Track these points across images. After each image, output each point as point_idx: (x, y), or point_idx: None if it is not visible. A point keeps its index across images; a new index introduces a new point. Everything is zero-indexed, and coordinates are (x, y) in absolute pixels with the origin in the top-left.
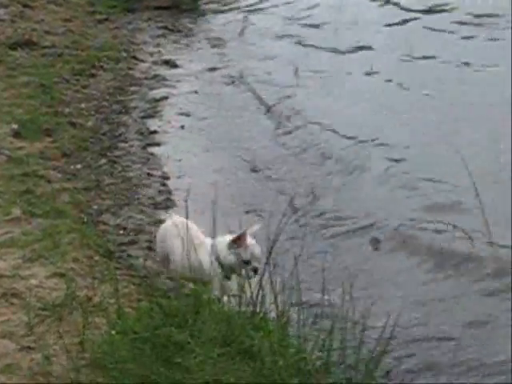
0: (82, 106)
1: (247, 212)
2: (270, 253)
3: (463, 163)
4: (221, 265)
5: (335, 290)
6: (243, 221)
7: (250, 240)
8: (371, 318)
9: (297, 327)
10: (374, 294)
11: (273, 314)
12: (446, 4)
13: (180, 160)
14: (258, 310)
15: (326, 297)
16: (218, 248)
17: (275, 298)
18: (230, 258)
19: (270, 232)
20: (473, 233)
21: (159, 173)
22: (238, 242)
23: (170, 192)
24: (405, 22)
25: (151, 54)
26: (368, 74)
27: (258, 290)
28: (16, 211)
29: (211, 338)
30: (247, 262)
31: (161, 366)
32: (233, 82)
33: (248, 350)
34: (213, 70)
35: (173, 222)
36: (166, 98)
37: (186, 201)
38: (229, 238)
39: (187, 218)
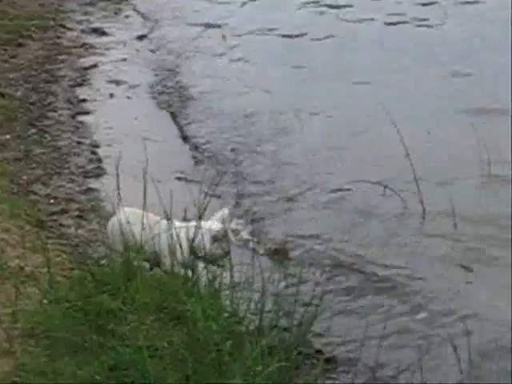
0: (11, 76)
1: (178, 179)
2: (200, 219)
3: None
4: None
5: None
6: (174, 188)
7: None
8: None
9: (230, 291)
10: (305, 256)
11: (205, 279)
12: None
13: (110, 128)
14: (190, 275)
15: (257, 262)
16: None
17: (207, 262)
18: (214, 250)
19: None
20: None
21: (89, 141)
22: (222, 235)
23: (100, 160)
24: None
25: (79, 22)
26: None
27: (190, 256)
28: None
29: (144, 305)
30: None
31: (94, 334)
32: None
33: (181, 315)
34: (141, 37)
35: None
36: (94, 66)
37: (116, 169)
38: (208, 225)
39: (118, 186)
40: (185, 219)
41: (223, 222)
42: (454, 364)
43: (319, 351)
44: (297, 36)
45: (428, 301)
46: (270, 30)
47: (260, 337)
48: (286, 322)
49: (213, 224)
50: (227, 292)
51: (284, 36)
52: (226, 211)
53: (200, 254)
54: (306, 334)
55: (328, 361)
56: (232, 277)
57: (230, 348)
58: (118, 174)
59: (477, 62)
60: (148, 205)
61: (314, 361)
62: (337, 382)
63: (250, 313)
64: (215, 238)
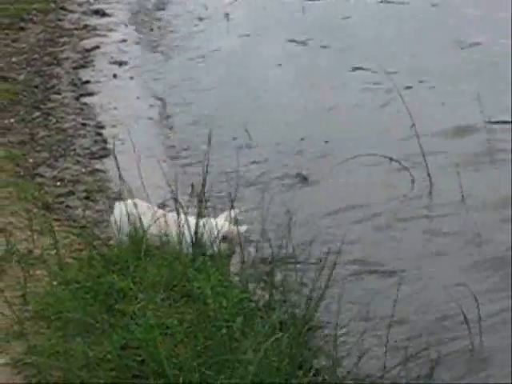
0: (13, 59)
1: (184, 157)
2: (203, 195)
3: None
4: None
5: (274, 228)
6: (179, 169)
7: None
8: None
9: (239, 268)
10: (312, 230)
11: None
12: None
13: (114, 109)
14: (198, 253)
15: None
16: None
17: (214, 240)
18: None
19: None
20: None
21: (94, 122)
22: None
23: (105, 141)
24: None
25: (80, 5)
26: None
27: (197, 234)
28: None
29: (153, 284)
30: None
31: (104, 314)
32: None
33: (190, 293)
34: (141, 17)
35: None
36: (97, 47)
37: (113, 152)
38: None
39: (118, 168)
40: (192, 197)
41: (231, 221)
42: None
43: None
44: None
45: None
46: None
47: (270, 312)
48: (295, 297)
49: (223, 223)
50: (237, 267)
51: None
52: (234, 212)
53: (207, 251)
54: (315, 309)
55: (339, 335)
56: (242, 252)
57: (240, 324)
58: (115, 157)
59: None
60: (153, 185)
61: (326, 335)
62: (347, 355)
63: (259, 289)
64: (225, 238)
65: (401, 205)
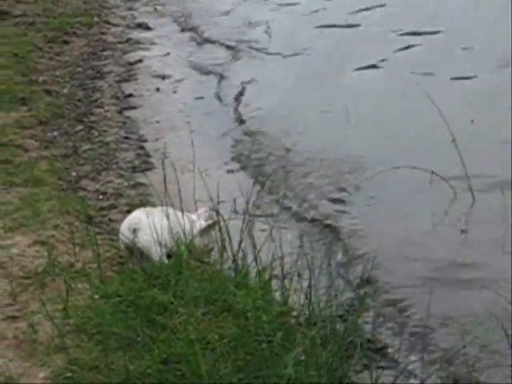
0: (57, 73)
1: (228, 171)
2: (247, 208)
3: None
4: None
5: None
6: (223, 181)
7: None
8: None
9: (280, 282)
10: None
11: (255, 271)
12: None
13: (157, 122)
14: (240, 267)
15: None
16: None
17: (257, 254)
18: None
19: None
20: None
21: (136, 136)
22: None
23: (147, 155)
24: None
25: (123, 18)
26: None
27: (239, 248)
28: None
29: (194, 298)
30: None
31: (145, 328)
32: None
33: (231, 307)
34: (184, 31)
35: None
36: (140, 61)
37: (162, 162)
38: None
39: (165, 180)
40: (235, 212)
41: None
42: None
43: (370, 341)
44: None
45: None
46: None
47: (311, 327)
48: (336, 312)
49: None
50: (278, 282)
51: None
52: (208, 209)
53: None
54: (356, 324)
55: (379, 350)
56: (282, 266)
57: (281, 339)
58: (164, 168)
59: None
60: (197, 199)
61: (366, 351)
62: (388, 371)
63: (300, 303)
64: (202, 232)
65: None
